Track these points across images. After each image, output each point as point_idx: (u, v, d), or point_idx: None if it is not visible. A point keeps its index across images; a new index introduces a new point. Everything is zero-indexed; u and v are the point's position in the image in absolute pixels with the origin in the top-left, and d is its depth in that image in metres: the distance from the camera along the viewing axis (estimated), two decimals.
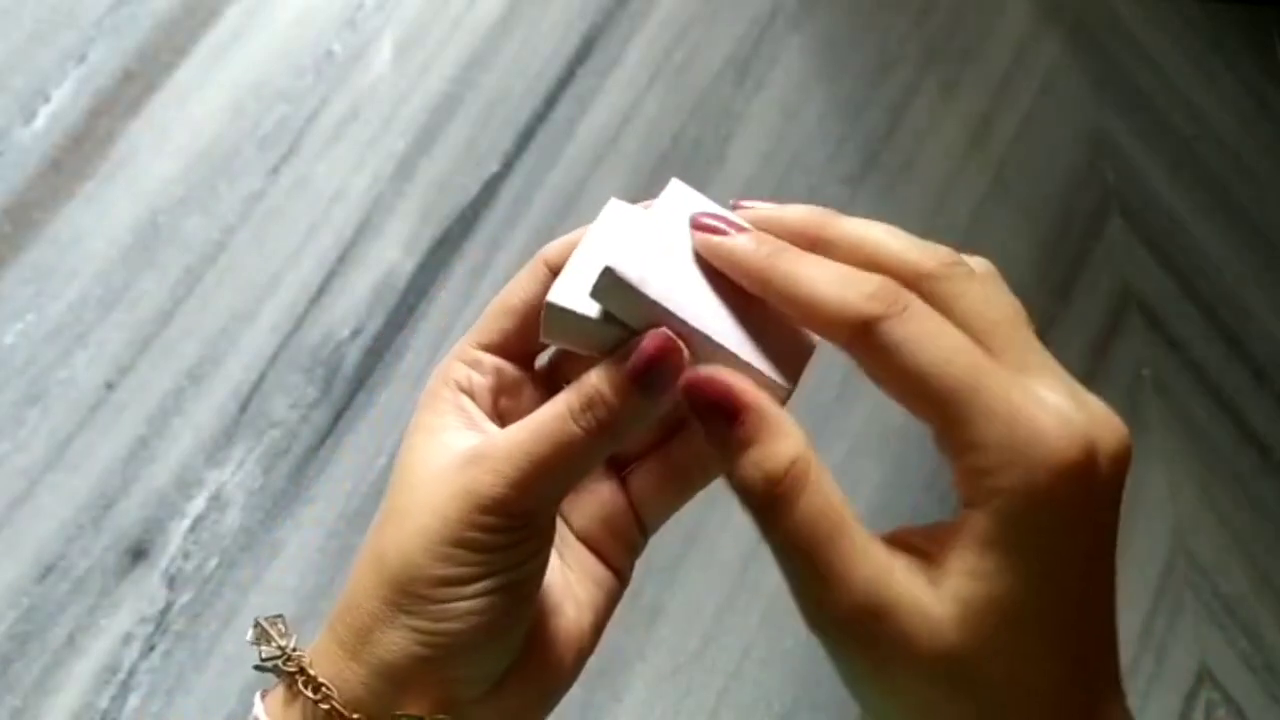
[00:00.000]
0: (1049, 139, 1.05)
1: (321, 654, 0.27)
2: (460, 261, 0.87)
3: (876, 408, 0.87)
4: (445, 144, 0.90)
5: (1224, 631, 0.90)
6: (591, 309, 0.26)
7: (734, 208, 0.28)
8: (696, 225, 0.27)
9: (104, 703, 0.70)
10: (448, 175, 0.89)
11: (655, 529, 0.33)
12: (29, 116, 0.82)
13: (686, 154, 0.95)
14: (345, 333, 0.82)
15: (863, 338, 0.24)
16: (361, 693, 0.26)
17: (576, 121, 0.94)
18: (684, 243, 0.27)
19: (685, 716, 0.77)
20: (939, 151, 1.01)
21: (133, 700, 0.70)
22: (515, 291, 0.30)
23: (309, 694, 0.26)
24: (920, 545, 0.25)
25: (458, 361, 0.30)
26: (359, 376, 0.81)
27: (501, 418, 0.30)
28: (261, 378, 0.80)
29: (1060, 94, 1.08)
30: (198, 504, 0.75)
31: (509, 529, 0.26)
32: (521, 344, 0.30)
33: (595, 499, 0.31)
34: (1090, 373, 0.97)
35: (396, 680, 0.26)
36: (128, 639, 0.72)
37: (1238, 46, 1.18)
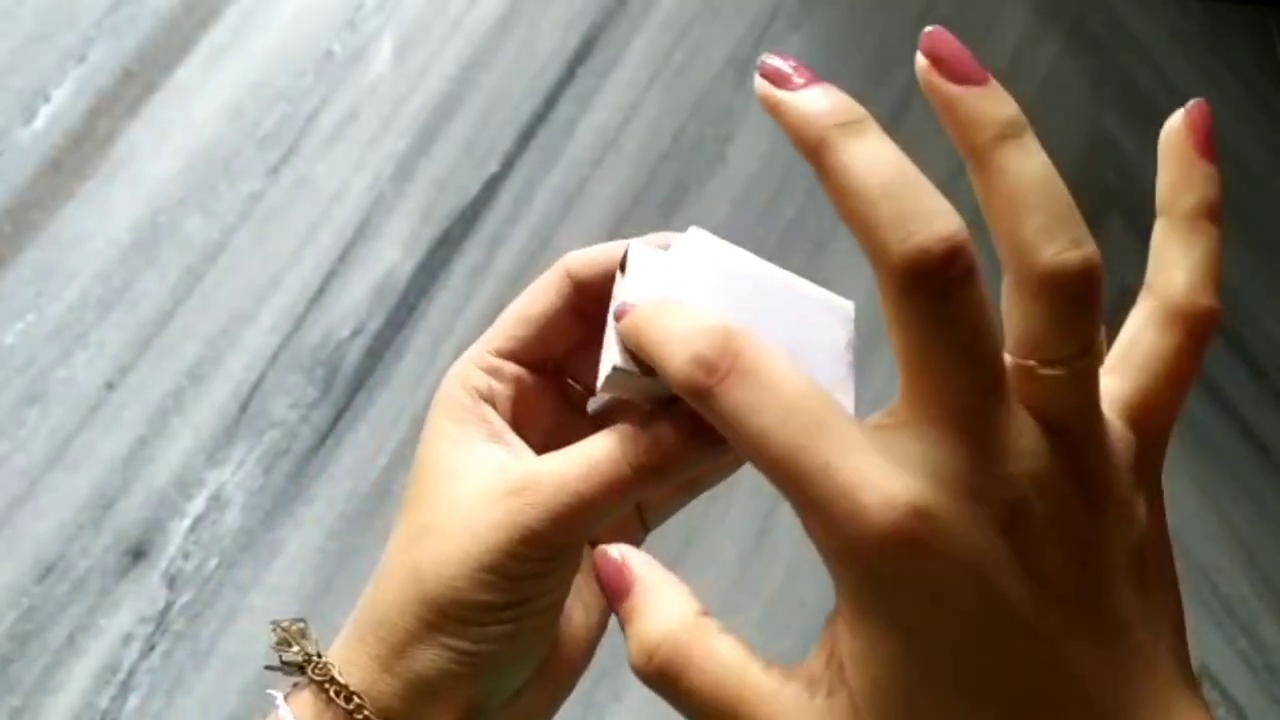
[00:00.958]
0: (1049, 139, 1.05)
1: (352, 665, 0.28)
2: (460, 261, 0.87)
3: (876, 408, 0.87)
4: (445, 144, 0.90)
5: (1223, 631, 0.90)
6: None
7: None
8: (618, 316, 0.26)
9: (104, 703, 0.70)
10: (448, 175, 0.89)
11: (656, 526, 0.33)
12: (29, 117, 0.82)
13: (686, 154, 0.95)
14: (345, 332, 0.82)
15: (700, 405, 0.22)
16: (395, 704, 0.27)
17: (576, 121, 0.94)
18: (724, 297, 0.26)
19: None
20: (939, 151, 1.01)
21: (133, 700, 0.70)
22: (535, 300, 0.30)
23: (342, 703, 0.27)
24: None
25: (477, 369, 0.30)
26: (359, 376, 0.81)
27: (518, 425, 0.30)
28: (261, 378, 0.80)
29: (1060, 94, 1.08)
30: (198, 504, 0.75)
31: (545, 559, 0.27)
32: (538, 352, 0.30)
33: None
34: None
35: (429, 693, 0.27)
36: (128, 639, 0.72)
37: (1238, 46, 1.18)
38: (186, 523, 0.75)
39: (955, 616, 0.20)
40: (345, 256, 0.84)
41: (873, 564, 0.20)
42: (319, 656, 0.28)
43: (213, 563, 0.74)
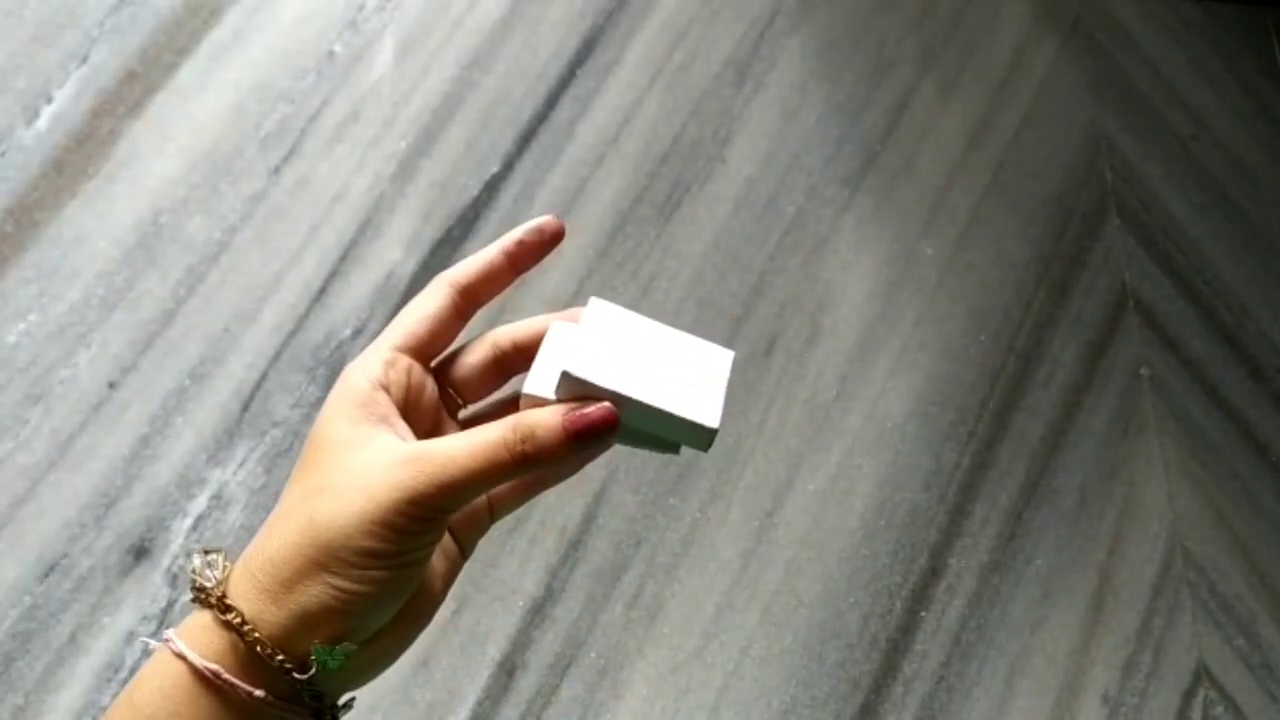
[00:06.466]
0: (1047, 140, 1.06)
1: (241, 597, 0.32)
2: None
3: (874, 407, 0.87)
4: (446, 144, 0.90)
5: (1221, 630, 0.90)
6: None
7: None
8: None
9: (106, 700, 0.70)
10: (449, 175, 0.89)
11: (503, 518, 0.39)
12: (31, 117, 0.82)
13: (686, 154, 0.95)
14: (347, 332, 0.83)
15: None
16: (277, 631, 0.32)
17: (577, 122, 0.94)
18: (621, 352, 0.34)
19: (685, 714, 0.78)
20: (937, 152, 1.01)
21: None
22: (430, 301, 0.37)
23: (235, 625, 0.32)
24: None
25: (378, 360, 0.36)
26: None
27: (405, 415, 0.35)
28: (263, 377, 0.80)
29: (1058, 95, 1.09)
30: (200, 503, 0.76)
31: (427, 519, 0.32)
32: (428, 348, 0.37)
33: None
34: (1088, 372, 0.98)
35: (307, 624, 0.32)
36: (130, 637, 0.72)
37: (1236, 47, 1.18)
38: (189, 521, 0.75)
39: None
40: (347, 256, 0.85)
41: None
42: (218, 586, 0.33)
43: None
